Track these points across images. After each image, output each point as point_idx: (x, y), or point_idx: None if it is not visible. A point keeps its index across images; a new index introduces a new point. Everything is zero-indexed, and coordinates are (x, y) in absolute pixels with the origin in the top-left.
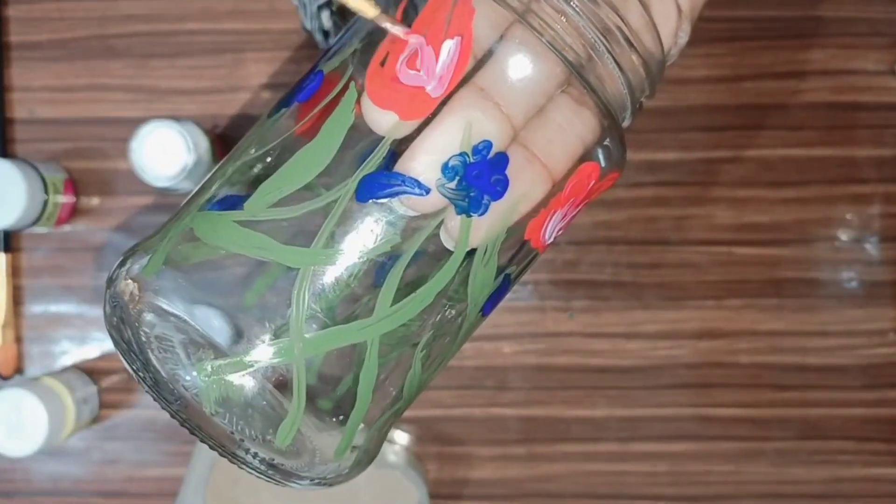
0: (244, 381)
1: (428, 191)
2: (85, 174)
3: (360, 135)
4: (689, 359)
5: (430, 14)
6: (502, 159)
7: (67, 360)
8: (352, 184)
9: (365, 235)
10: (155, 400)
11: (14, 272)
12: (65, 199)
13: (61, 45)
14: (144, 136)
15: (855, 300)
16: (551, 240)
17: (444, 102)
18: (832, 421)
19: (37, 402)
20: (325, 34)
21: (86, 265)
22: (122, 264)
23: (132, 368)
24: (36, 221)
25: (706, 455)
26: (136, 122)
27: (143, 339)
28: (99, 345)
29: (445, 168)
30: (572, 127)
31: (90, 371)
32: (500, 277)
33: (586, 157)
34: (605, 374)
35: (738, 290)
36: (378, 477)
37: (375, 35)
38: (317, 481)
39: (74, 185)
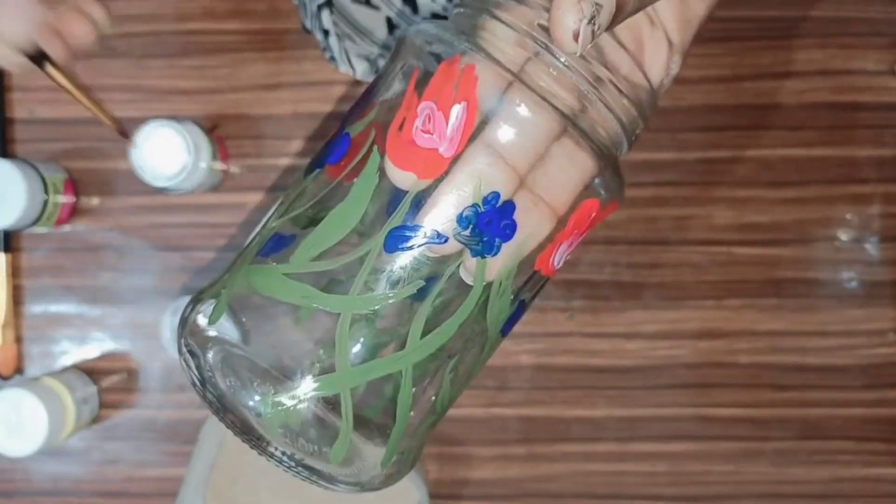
0: (300, 409)
1: (446, 239)
2: (85, 174)
3: (386, 191)
4: (689, 359)
5: (440, 83)
6: (510, 206)
7: (67, 360)
8: (380, 237)
9: (394, 280)
10: (220, 420)
11: (14, 272)
12: (65, 199)
13: None
14: (144, 136)
15: (855, 300)
16: (559, 265)
17: (455, 159)
18: (832, 421)
19: (37, 402)
20: (325, 33)
21: (86, 265)
22: (193, 309)
23: (203, 395)
24: (36, 221)
25: (706, 455)
26: (136, 122)
27: (211, 370)
28: (99, 345)
29: (460, 218)
30: (572, 168)
31: (90, 371)
32: (516, 303)
33: (586, 193)
34: (604, 374)
35: (737, 290)
36: None
37: (393, 102)
38: (362, 486)
39: (74, 185)
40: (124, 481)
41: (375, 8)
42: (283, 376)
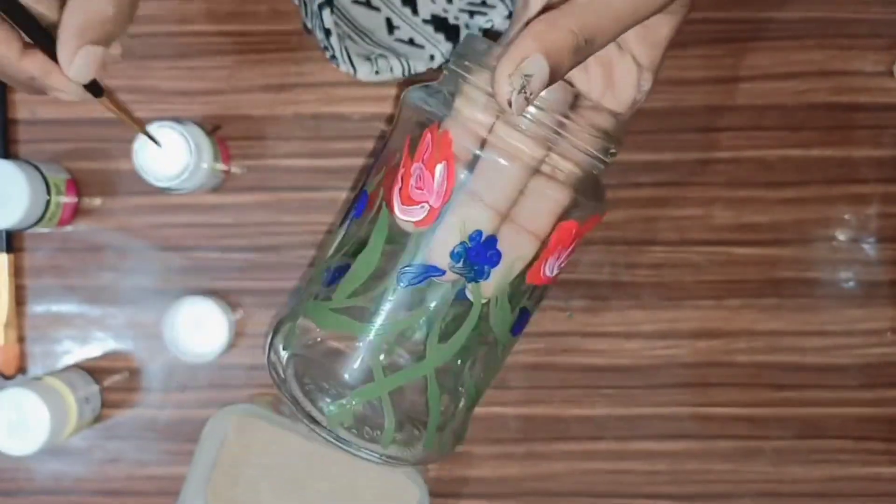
0: (352, 408)
1: (444, 272)
2: (87, 174)
3: (397, 237)
4: (688, 358)
5: (425, 147)
6: (492, 240)
7: (69, 360)
8: (394, 276)
9: (410, 307)
10: (299, 417)
11: (16, 272)
12: (67, 199)
13: None
14: (145, 137)
15: (853, 300)
16: (554, 274)
17: (444, 207)
18: (830, 420)
19: (39, 402)
20: (327, 33)
21: (88, 265)
22: (274, 333)
23: (282, 392)
24: (38, 222)
25: (705, 454)
26: None
27: (290, 381)
28: (100, 344)
29: (452, 254)
30: (546, 200)
31: (92, 370)
32: (517, 311)
33: (564, 216)
34: (603, 373)
35: (736, 290)
36: (378, 476)
37: (395, 164)
38: (410, 461)
39: (76, 185)
40: (126, 480)
41: (375, 9)
42: (336, 387)
